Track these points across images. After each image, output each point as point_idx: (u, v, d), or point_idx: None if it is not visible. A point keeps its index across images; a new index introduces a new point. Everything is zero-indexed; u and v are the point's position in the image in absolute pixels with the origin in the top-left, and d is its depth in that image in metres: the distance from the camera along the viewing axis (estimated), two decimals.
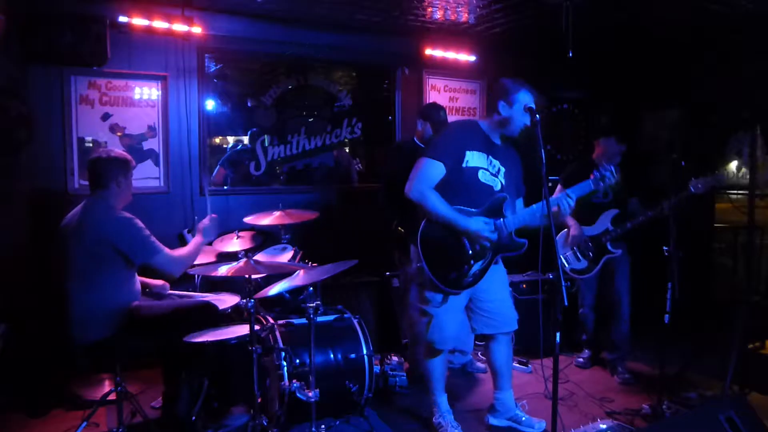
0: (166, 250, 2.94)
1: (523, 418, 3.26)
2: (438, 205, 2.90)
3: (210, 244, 3.31)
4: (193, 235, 3.56)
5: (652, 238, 3.57)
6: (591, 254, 4.01)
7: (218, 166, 4.75)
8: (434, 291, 3.04)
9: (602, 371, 4.24)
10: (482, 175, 3.00)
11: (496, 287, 3.17)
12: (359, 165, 5.31)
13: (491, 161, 3.05)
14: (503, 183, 3.07)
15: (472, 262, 2.96)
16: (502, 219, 2.99)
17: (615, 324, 4.09)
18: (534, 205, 3.01)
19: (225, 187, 4.72)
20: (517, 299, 4.51)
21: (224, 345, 3.07)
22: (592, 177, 3.01)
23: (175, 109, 4.43)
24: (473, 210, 2.97)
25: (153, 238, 2.91)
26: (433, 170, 2.93)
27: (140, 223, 2.90)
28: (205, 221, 3.24)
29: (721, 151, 5.19)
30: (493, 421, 3.31)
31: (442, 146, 2.99)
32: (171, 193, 4.43)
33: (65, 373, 3.79)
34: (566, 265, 4.08)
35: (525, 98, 2.93)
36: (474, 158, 2.98)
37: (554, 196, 3.16)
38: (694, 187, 3.54)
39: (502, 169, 3.08)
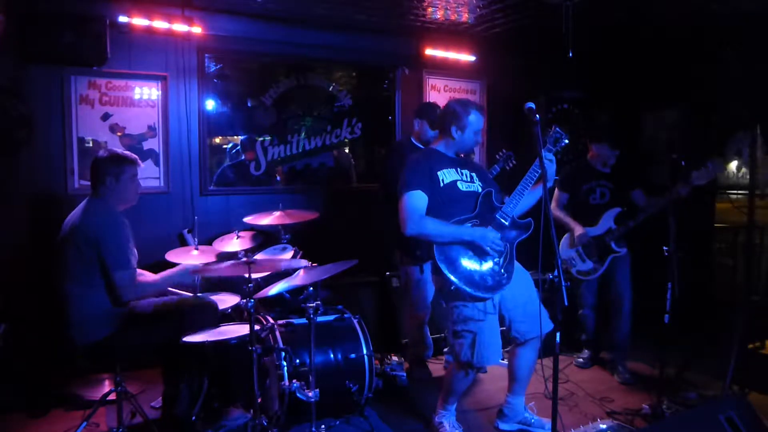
0: (135, 272, 2.88)
1: (533, 420, 3.25)
2: (439, 228, 2.93)
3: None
4: (194, 236, 3.55)
5: (652, 238, 3.57)
6: (596, 255, 4.02)
7: (215, 169, 4.70)
8: (477, 303, 2.97)
9: (602, 371, 4.24)
10: (462, 186, 3.07)
11: (520, 290, 3.12)
12: (353, 161, 5.30)
13: (462, 172, 3.12)
14: (482, 185, 3.15)
15: (496, 259, 2.98)
16: (498, 211, 3.04)
17: (617, 322, 4.08)
18: (518, 186, 3.07)
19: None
20: None
21: (224, 345, 3.07)
22: (546, 145, 3.09)
23: (175, 109, 4.43)
24: (470, 215, 3.02)
25: (130, 255, 2.86)
26: (417, 200, 2.95)
27: (128, 232, 2.88)
28: (189, 265, 3.10)
29: (721, 151, 5.18)
30: (503, 426, 3.30)
31: (412, 177, 3.00)
32: (171, 193, 4.43)
33: (65, 373, 3.80)
34: (572, 267, 4.08)
35: (475, 120, 3.08)
36: (446, 175, 3.05)
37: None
38: (696, 180, 3.54)
39: (474, 175, 3.17)
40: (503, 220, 3.03)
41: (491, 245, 2.93)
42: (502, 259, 3.00)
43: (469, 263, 2.94)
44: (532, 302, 3.11)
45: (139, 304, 2.97)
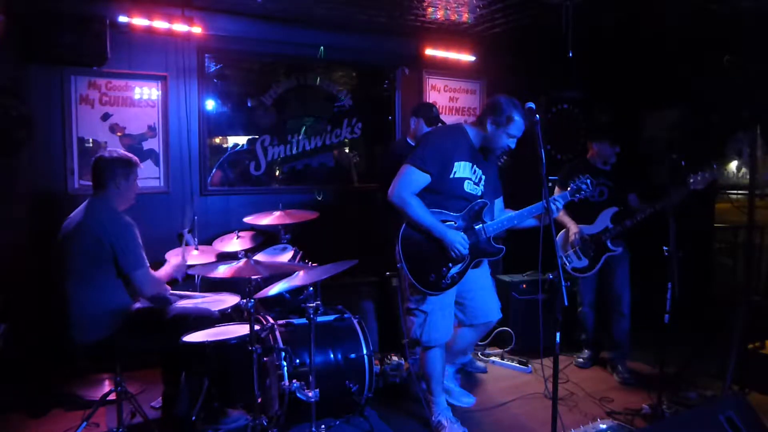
0: (149, 268, 2.94)
1: (455, 390, 3.46)
2: (419, 212, 2.94)
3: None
4: (193, 236, 3.56)
5: (652, 238, 3.57)
6: (591, 253, 4.02)
7: (215, 170, 4.71)
8: (416, 292, 3.08)
9: (602, 371, 4.24)
10: (467, 186, 3.07)
11: (479, 278, 3.23)
12: (353, 161, 5.31)
13: (475, 170, 3.10)
14: (483, 190, 3.15)
15: (450, 265, 3.02)
16: (481, 224, 3.08)
17: (615, 321, 4.09)
18: (514, 213, 3.13)
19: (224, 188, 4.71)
20: (517, 299, 4.53)
21: (224, 345, 3.06)
22: (568, 189, 3.12)
23: (175, 109, 4.43)
24: (455, 215, 3.05)
25: (142, 252, 2.90)
26: (418, 179, 2.96)
27: (137, 232, 2.90)
28: (180, 261, 3.19)
29: (721, 151, 5.18)
30: None
31: (430, 156, 2.98)
32: (171, 193, 4.43)
33: (65, 373, 3.80)
34: (567, 264, 4.09)
35: (513, 123, 2.97)
36: (461, 169, 3.03)
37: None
38: (693, 184, 3.55)
39: (483, 177, 3.15)
40: (480, 235, 3.07)
41: (455, 251, 2.96)
42: (456, 268, 3.03)
43: (424, 255, 2.99)
44: (486, 290, 3.28)
45: (142, 309, 2.99)
